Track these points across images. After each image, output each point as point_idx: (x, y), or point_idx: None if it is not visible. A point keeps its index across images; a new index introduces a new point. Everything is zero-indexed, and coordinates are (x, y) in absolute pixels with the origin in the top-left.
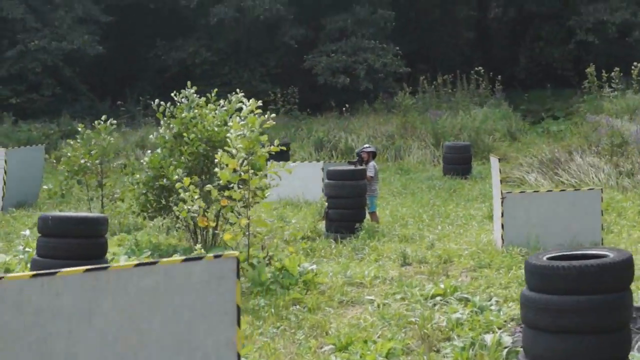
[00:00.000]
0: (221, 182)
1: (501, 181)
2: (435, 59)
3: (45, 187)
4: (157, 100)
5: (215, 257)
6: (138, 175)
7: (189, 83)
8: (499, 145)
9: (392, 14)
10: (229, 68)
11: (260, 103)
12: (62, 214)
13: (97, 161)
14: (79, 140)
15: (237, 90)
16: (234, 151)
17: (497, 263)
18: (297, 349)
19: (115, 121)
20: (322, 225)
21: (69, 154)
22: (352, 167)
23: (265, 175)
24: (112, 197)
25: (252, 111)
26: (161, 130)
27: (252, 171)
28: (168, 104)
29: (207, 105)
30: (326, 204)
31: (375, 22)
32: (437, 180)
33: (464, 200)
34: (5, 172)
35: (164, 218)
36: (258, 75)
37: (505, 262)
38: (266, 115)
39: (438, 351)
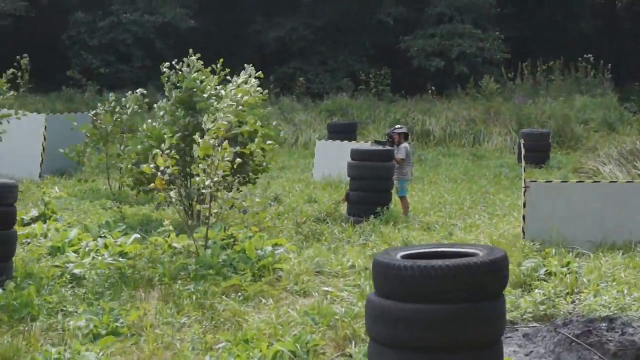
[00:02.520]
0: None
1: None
2: (551, 47)
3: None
4: (166, 63)
5: None
6: (129, 147)
7: (191, 50)
8: (592, 134)
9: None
10: (325, 47)
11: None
12: None
13: (121, 130)
14: (105, 109)
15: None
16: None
17: None
18: (187, 345)
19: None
20: (344, 207)
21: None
22: (378, 148)
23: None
24: None
25: (245, 82)
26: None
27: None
28: (172, 71)
29: (211, 75)
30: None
31: (477, 9)
32: (507, 168)
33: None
34: (44, 139)
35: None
36: (355, 55)
37: (513, 258)
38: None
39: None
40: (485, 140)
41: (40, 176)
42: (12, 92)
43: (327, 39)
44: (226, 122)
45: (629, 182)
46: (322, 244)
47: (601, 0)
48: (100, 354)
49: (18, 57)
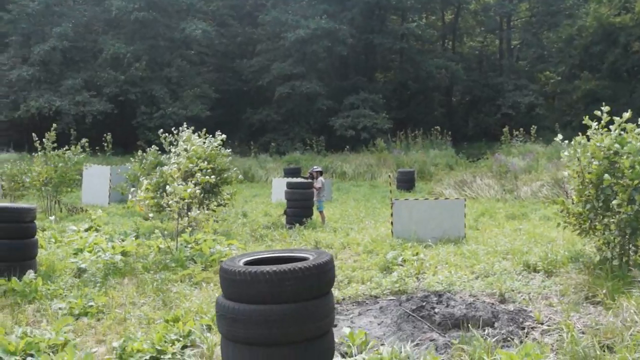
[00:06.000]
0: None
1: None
2: (416, 122)
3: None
4: (160, 131)
5: None
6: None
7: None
8: (439, 172)
9: (380, 96)
10: (287, 125)
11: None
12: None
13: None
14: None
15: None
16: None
17: (378, 249)
18: (136, 321)
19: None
20: (284, 219)
21: (129, 168)
22: (303, 181)
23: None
24: None
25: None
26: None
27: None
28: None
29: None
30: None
31: (372, 100)
32: (390, 193)
33: None
34: (110, 181)
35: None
36: (304, 129)
37: (384, 249)
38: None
39: None
40: (378, 176)
41: (108, 203)
42: (84, 155)
43: (288, 120)
44: (176, 166)
45: (456, 199)
46: (264, 243)
47: (444, 97)
48: (64, 330)
49: (105, 135)
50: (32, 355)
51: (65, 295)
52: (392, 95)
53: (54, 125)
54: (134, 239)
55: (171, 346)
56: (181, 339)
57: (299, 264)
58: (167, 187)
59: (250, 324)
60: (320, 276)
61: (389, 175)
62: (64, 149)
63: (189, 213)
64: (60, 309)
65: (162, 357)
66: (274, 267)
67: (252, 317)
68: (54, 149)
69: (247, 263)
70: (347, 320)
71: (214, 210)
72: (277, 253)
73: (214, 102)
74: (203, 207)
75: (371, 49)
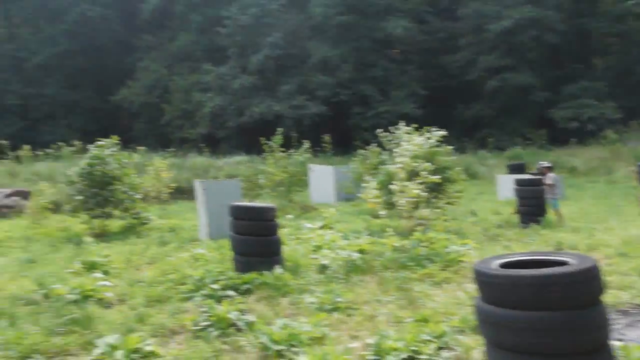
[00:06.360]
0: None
1: None
2: None
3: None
4: (379, 130)
5: None
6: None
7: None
8: None
9: (604, 84)
10: (503, 119)
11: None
12: (244, 203)
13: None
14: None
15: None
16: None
17: (633, 251)
18: (384, 318)
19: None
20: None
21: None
22: (533, 177)
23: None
24: None
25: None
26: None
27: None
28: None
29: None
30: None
31: (594, 89)
32: (633, 189)
33: None
34: (334, 179)
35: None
36: (522, 122)
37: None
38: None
39: None
40: (614, 171)
41: (336, 202)
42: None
43: (502, 114)
44: (401, 165)
45: None
46: (499, 243)
47: None
48: (318, 324)
49: (322, 136)
50: (293, 346)
51: (313, 290)
52: (615, 82)
53: (279, 129)
54: (367, 236)
55: (425, 347)
56: (434, 340)
57: (565, 269)
58: (393, 185)
59: (514, 330)
60: (589, 283)
61: (635, 170)
62: (292, 151)
63: (418, 211)
64: (312, 303)
65: (417, 357)
66: (534, 272)
67: (516, 324)
68: (280, 151)
69: (503, 266)
70: (614, 331)
71: (443, 209)
72: (531, 256)
73: (423, 99)
74: (431, 206)
75: (585, 34)
